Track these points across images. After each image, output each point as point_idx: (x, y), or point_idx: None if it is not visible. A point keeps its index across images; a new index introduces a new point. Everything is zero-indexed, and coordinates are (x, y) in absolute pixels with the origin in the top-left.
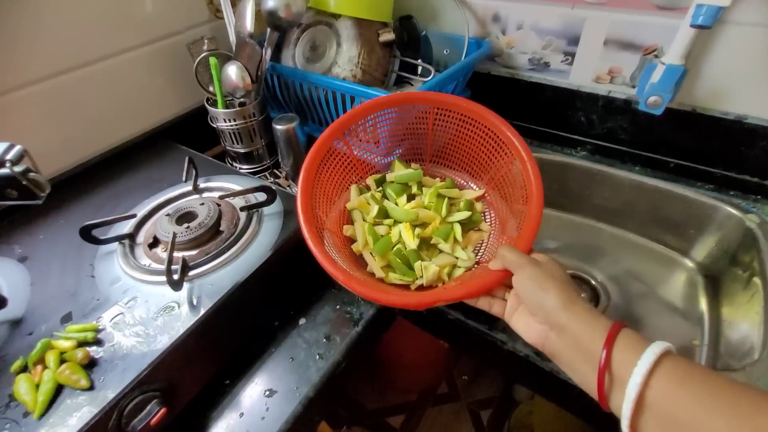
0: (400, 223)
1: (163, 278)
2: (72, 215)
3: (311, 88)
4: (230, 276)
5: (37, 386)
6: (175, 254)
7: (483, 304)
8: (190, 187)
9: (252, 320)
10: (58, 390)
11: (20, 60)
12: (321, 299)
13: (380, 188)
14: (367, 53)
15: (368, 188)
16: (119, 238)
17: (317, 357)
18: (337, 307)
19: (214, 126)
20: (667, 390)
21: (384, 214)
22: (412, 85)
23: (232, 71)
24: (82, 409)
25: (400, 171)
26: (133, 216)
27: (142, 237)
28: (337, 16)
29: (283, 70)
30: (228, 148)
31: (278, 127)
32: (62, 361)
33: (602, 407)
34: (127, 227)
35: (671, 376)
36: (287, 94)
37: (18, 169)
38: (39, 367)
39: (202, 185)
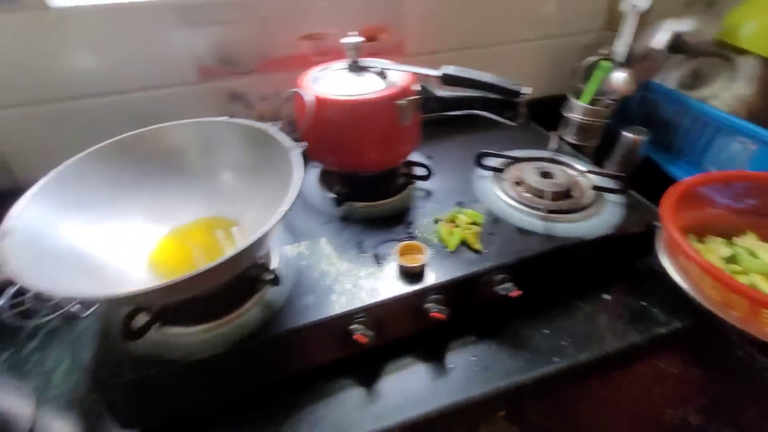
0: (752, 273)
1: (522, 207)
2: (457, 142)
3: (680, 113)
4: (576, 230)
5: (450, 233)
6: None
7: None
8: (548, 154)
9: (574, 273)
10: (461, 243)
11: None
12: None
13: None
14: (763, 96)
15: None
16: (495, 170)
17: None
18: (642, 303)
19: (566, 115)
20: None
21: (732, 260)
22: None
23: (620, 76)
24: (475, 259)
25: (752, 243)
26: (513, 158)
27: (507, 175)
28: (741, 52)
29: (658, 89)
30: (563, 136)
31: (628, 134)
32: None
33: None
34: (497, 163)
35: None
36: (644, 111)
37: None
38: (451, 224)
39: (555, 157)
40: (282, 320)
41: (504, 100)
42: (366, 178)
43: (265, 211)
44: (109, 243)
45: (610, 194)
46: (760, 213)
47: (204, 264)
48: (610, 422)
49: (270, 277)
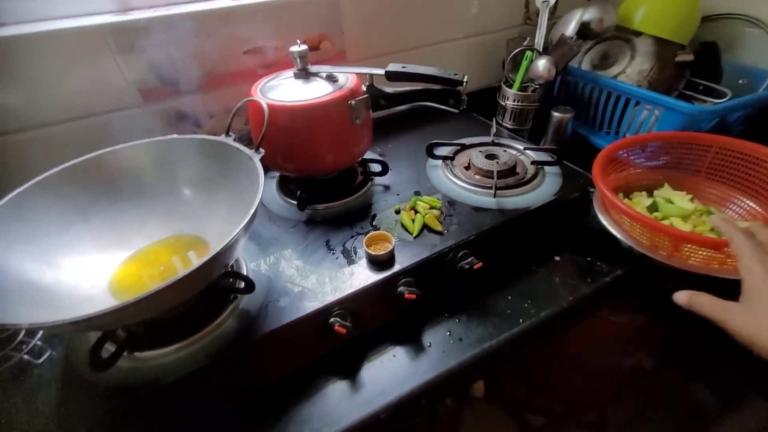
0: (671, 216)
1: (474, 188)
2: (405, 138)
3: (595, 90)
4: (523, 202)
5: (412, 221)
6: (485, 178)
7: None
8: (489, 139)
9: (527, 240)
10: (423, 227)
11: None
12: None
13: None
14: (659, 69)
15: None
16: (445, 158)
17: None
18: (588, 258)
19: (502, 103)
20: None
21: (654, 208)
22: (704, 102)
23: (542, 64)
24: (437, 240)
25: (668, 193)
26: (460, 145)
27: (457, 161)
28: (637, 34)
29: (575, 71)
30: (501, 122)
31: (556, 114)
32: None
33: None
34: (446, 152)
35: None
36: (566, 92)
37: (461, 88)
38: (412, 211)
39: (496, 140)
40: (260, 325)
41: (447, 90)
42: (325, 181)
43: (230, 223)
44: (65, 273)
45: (548, 167)
46: (671, 167)
47: None
48: (576, 379)
49: (242, 285)
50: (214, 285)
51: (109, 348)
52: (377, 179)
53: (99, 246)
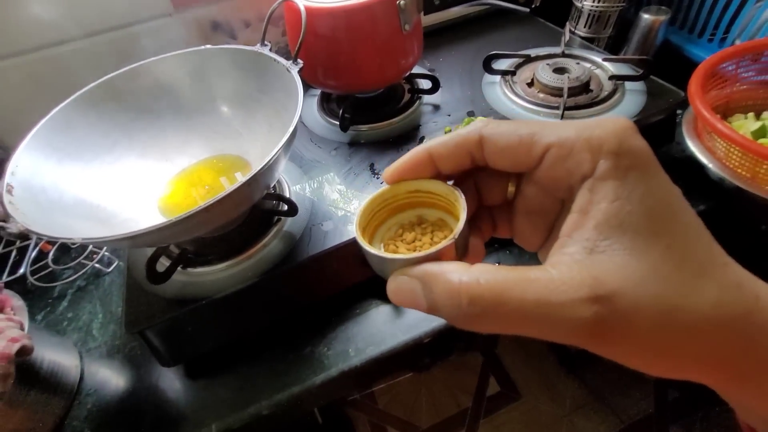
0: None
1: (538, 108)
2: (459, 50)
3: None
4: None
5: None
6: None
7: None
8: (559, 50)
9: None
10: None
11: None
12: None
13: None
14: None
15: None
16: (505, 73)
17: None
18: None
19: (578, 4)
20: None
21: (762, 134)
22: None
23: None
24: None
25: None
26: (524, 56)
27: (518, 77)
28: None
29: None
30: (572, 29)
31: (646, 16)
32: None
33: None
34: (506, 65)
35: None
36: None
37: None
38: None
39: (567, 51)
40: (304, 249)
41: None
42: (369, 99)
43: (270, 142)
44: (116, 191)
45: (630, 82)
46: None
47: None
48: None
49: (285, 207)
50: (258, 207)
51: (164, 263)
52: (426, 98)
53: (145, 164)
